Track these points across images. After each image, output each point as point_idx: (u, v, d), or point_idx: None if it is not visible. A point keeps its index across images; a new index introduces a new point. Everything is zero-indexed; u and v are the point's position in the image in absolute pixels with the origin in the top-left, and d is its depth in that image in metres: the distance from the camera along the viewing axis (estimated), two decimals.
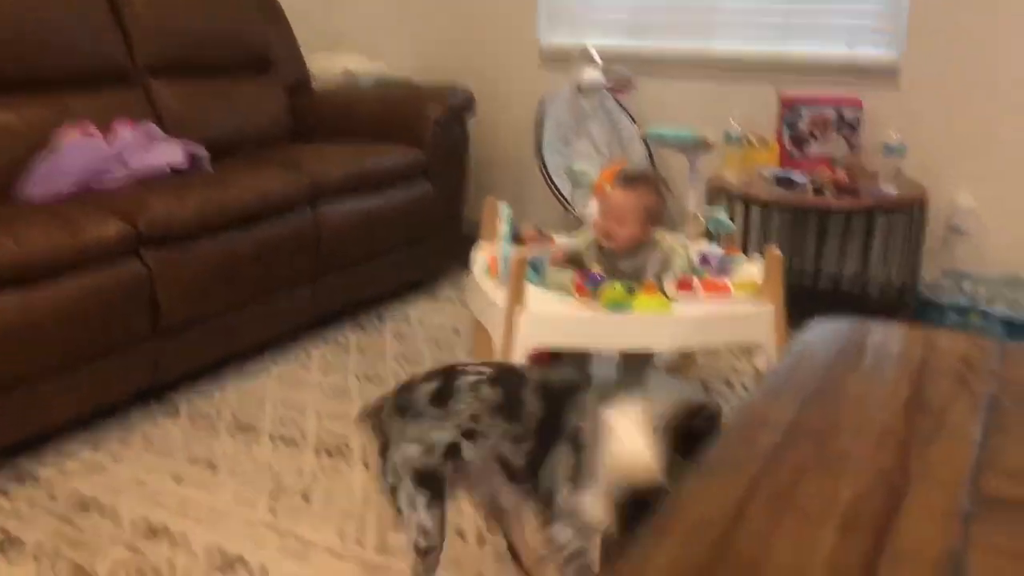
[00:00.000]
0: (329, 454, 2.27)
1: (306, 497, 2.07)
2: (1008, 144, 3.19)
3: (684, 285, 2.15)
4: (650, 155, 3.69)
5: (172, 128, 2.96)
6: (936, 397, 1.19)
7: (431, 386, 1.53)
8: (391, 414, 1.55)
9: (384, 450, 1.55)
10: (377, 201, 3.13)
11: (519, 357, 2.10)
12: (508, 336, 2.11)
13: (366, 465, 2.21)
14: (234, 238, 2.59)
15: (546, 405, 1.47)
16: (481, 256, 2.47)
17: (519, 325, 2.09)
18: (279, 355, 2.86)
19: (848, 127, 3.29)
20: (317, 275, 2.93)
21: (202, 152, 2.83)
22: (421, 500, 1.50)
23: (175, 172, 2.70)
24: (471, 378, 1.51)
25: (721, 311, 2.12)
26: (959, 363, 1.30)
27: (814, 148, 3.32)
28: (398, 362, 2.85)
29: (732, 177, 3.16)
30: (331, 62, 3.81)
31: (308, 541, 1.90)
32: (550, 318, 2.13)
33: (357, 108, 3.55)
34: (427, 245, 3.44)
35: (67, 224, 2.22)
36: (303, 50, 3.78)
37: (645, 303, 2.08)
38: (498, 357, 2.14)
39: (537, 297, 2.14)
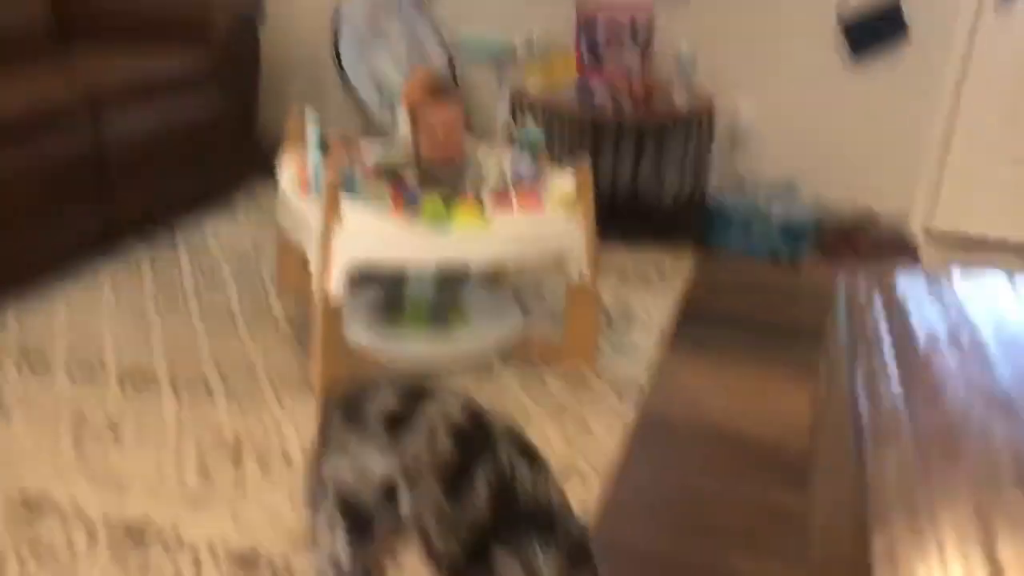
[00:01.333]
0: (135, 385, 2.14)
1: (115, 431, 1.95)
2: (787, 56, 3.42)
3: (501, 199, 2.17)
4: (451, 63, 3.64)
5: None
6: None
7: (391, 404, 1.25)
8: (338, 414, 1.29)
9: (320, 454, 1.30)
10: (163, 110, 2.91)
11: (337, 275, 2.05)
12: (325, 253, 2.05)
13: (176, 393, 2.11)
14: (2, 155, 2.32)
15: (495, 510, 1.14)
16: (289, 168, 2.36)
17: (336, 242, 2.04)
18: (66, 279, 2.63)
19: (642, 38, 3.38)
20: (102, 191, 2.69)
21: None
22: (342, 527, 1.24)
23: None
24: (436, 417, 1.21)
25: (536, 224, 2.17)
26: None
27: (610, 60, 3.40)
28: (197, 282, 2.71)
29: (534, 89, 3.19)
30: None
31: (122, 477, 1.80)
32: (368, 234, 2.08)
33: (132, 4, 3.23)
34: (220, 157, 3.24)
35: None
36: None
37: (464, 218, 2.09)
38: (314, 275, 2.08)
39: (354, 213, 2.09)
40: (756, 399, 2.28)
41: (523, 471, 1.16)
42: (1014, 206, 3.39)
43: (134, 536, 1.64)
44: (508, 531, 1.12)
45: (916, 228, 3.48)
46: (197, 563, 1.58)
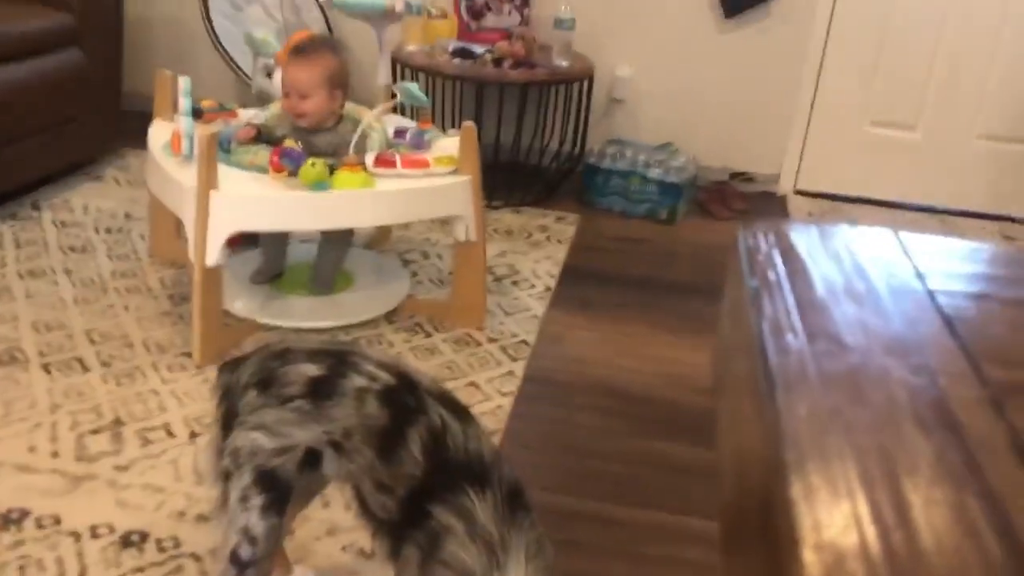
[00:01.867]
0: (1, 362, 2.03)
1: None
2: (663, 16, 3.49)
3: (384, 161, 2.14)
4: (327, 22, 3.56)
5: None
6: None
7: (312, 371, 1.20)
8: (251, 383, 1.23)
9: (227, 423, 1.24)
10: (19, 72, 2.73)
11: (215, 243, 1.99)
12: (202, 221, 1.98)
13: (47, 369, 2.01)
14: None
15: (429, 467, 1.15)
16: (160, 133, 2.26)
17: (214, 209, 1.98)
18: None
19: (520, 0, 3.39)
20: None
21: None
22: (257, 502, 1.21)
23: None
24: (361, 381, 1.19)
25: (421, 185, 2.15)
26: None
27: (490, 20, 3.40)
28: (65, 253, 2.58)
29: (414, 49, 3.16)
30: None
31: None
32: (248, 200, 2.03)
33: None
34: (83, 121, 3.07)
35: None
36: None
37: (347, 180, 2.05)
38: (190, 242, 2.01)
39: (231, 178, 2.03)
40: (642, 354, 2.35)
41: (454, 426, 1.17)
42: (874, 167, 3.58)
43: (9, 524, 1.56)
44: (443, 486, 1.13)
45: (786, 188, 3.63)
46: (79, 549, 1.52)
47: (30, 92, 2.78)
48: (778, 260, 0.63)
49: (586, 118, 3.38)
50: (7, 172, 2.77)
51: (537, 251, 2.91)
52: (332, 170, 2.05)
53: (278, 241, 2.43)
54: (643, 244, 3.11)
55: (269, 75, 2.75)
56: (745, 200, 3.44)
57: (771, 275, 0.61)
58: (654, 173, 3.26)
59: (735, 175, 3.61)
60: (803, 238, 0.68)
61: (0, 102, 2.65)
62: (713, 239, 3.14)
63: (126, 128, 3.33)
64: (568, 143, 3.42)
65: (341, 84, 2.21)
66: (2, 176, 2.75)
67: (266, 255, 2.46)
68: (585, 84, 3.31)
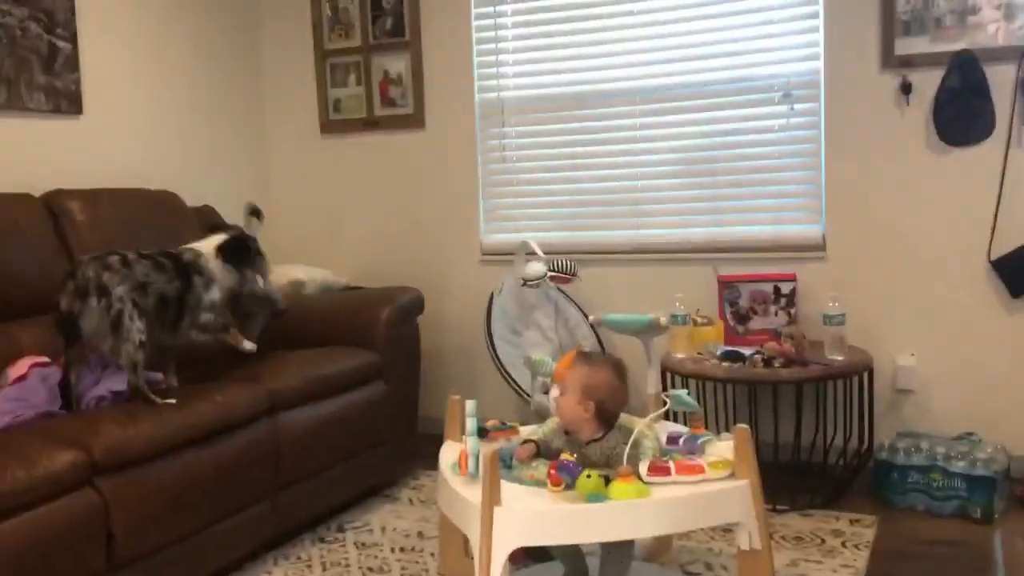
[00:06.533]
0: None
1: None
2: (940, 302, 3.36)
3: (658, 468, 2.14)
4: (598, 339, 3.76)
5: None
6: None
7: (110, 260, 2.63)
8: (110, 268, 2.60)
9: (105, 291, 2.56)
10: (334, 406, 3.10)
11: (499, 558, 2.03)
12: (486, 536, 2.05)
13: None
14: (191, 457, 2.51)
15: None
16: (450, 454, 2.43)
17: (497, 524, 2.04)
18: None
19: (785, 300, 3.42)
20: (277, 488, 2.83)
21: (155, 377, 2.77)
22: (136, 312, 2.58)
23: (123, 395, 2.64)
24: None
25: (698, 491, 2.11)
26: None
27: (756, 322, 3.44)
28: (364, 573, 2.73)
29: (682, 356, 3.24)
30: (278, 274, 3.86)
31: None
32: (528, 515, 2.08)
33: (308, 315, 3.56)
34: (384, 447, 3.38)
35: (16, 457, 2.12)
36: None
37: (622, 491, 2.06)
38: (476, 558, 2.07)
39: (513, 493, 2.10)
40: None
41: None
42: None
43: None
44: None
45: None
46: None
47: (342, 424, 3.12)
48: None
49: (871, 412, 3.21)
50: (319, 497, 3.05)
51: (833, 559, 2.68)
52: (607, 481, 2.08)
53: (574, 554, 2.44)
54: (957, 547, 2.77)
55: (546, 392, 2.91)
56: None
57: None
58: (958, 466, 2.97)
59: None
60: None
61: (318, 433, 2.99)
62: None
63: (421, 451, 3.61)
64: (854, 439, 3.24)
65: (595, 398, 2.24)
66: (315, 500, 3.04)
67: (566, 566, 2.46)
68: (865, 377, 3.19)
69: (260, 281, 3.05)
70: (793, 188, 3.62)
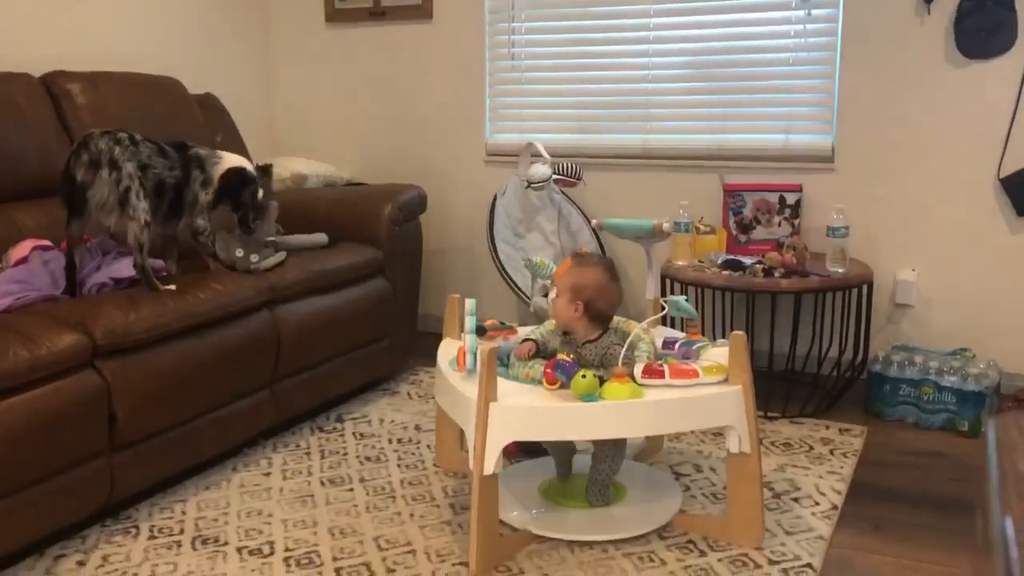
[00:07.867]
0: (299, 564, 2.19)
1: None
2: (946, 220, 3.34)
3: (652, 371, 2.16)
4: (600, 244, 3.76)
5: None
6: None
7: (120, 135, 2.60)
8: (120, 143, 2.58)
9: (116, 164, 2.55)
10: (335, 301, 3.12)
11: (493, 452, 2.07)
12: (481, 431, 2.09)
13: (339, 574, 2.14)
14: (192, 344, 2.53)
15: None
16: (448, 351, 2.46)
17: (492, 419, 2.08)
18: (240, 463, 2.78)
19: (790, 210, 3.40)
20: (276, 378, 2.88)
21: (157, 264, 2.78)
22: (143, 192, 2.59)
23: (124, 282, 2.65)
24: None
25: (690, 395, 2.14)
26: None
27: (759, 232, 3.43)
28: (361, 463, 2.79)
29: (683, 263, 3.24)
30: (280, 166, 3.83)
31: None
32: (523, 411, 2.11)
33: (310, 209, 3.55)
34: (384, 342, 3.41)
35: (19, 337, 2.15)
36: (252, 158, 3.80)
37: (616, 391, 2.09)
38: (471, 453, 2.12)
39: (509, 390, 2.14)
40: None
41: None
42: None
43: None
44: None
45: None
46: None
47: (342, 318, 3.15)
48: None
49: (867, 325, 3.23)
50: (320, 388, 3.10)
51: (820, 465, 2.74)
52: (602, 381, 2.11)
53: (564, 450, 2.49)
54: (942, 458, 2.83)
55: (545, 295, 2.92)
56: None
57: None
58: (950, 381, 3.01)
59: None
60: None
61: (317, 327, 3.02)
62: None
63: (420, 347, 3.65)
64: (849, 351, 3.27)
65: (584, 297, 2.24)
66: (316, 392, 3.09)
67: (555, 459, 2.52)
68: (865, 290, 3.20)
69: (262, 226, 3.01)
70: (805, 97, 3.55)
